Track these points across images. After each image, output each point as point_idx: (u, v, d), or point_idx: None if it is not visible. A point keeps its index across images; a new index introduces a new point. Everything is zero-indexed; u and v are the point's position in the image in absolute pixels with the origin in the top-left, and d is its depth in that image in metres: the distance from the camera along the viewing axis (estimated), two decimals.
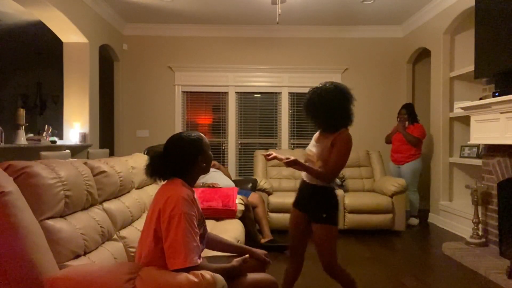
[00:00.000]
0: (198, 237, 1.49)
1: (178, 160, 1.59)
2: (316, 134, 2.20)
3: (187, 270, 1.36)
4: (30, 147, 3.62)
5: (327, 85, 2.12)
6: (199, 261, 1.44)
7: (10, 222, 1.20)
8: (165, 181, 1.62)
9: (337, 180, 4.72)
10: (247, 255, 1.69)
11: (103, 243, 1.76)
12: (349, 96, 2.11)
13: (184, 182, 1.59)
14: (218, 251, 1.85)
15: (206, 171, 1.68)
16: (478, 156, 4.13)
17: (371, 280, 2.97)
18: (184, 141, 1.60)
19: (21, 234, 1.21)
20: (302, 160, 2.06)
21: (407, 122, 4.89)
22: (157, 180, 1.63)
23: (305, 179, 2.14)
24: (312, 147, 2.15)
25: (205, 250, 1.71)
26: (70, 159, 3.00)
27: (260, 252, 1.85)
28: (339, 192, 4.38)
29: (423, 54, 5.67)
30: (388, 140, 5.14)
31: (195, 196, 1.62)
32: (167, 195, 1.49)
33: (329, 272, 2.07)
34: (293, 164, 1.98)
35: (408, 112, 4.90)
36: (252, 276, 1.66)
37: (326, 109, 2.04)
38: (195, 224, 1.48)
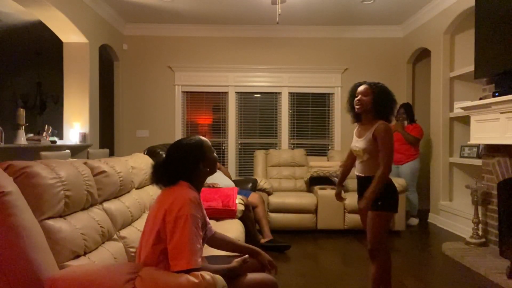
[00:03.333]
0: (201, 240, 1.49)
1: (180, 167, 1.59)
2: (356, 130, 2.39)
3: (188, 271, 1.36)
4: (30, 147, 3.62)
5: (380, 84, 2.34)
6: (201, 264, 1.44)
7: (10, 222, 1.20)
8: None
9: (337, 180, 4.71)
10: (247, 255, 1.69)
11: (103, 243, 1.76)
12: (393, 95, 2.34)
13: (190, 185, 1.59)
14: (226, 251, 1.85)
15: (212, 172, 1.69)
16: (478, 156, 4.13)
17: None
18: (184, 148, 1.61)
19: (21, 234, 1.21)
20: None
21: (405, 122, 4.89)
22: (160, 188, 1.63)
23: (358, 173, 2.34)
24: (356, 143, 2.33)
25: (205, 250, 1.71)
26: (70, 159, 3.00)
27: (266, 258, 1.81)
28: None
29: (423, 54, 5.67)
30: None
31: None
32: (174, 197, 1.49)
33: (371, 255, 2.25)
34: (368, 201, 2.16)
35: (407, 112, 4.91)
36: (252, 276, 1.66)
37: (387, 101, 2.26)
38: (200, 226, 1.49)
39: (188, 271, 1.36)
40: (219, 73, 5.94)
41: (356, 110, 2.30)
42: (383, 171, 2.15)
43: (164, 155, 1.69)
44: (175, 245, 1.40)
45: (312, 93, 6.01)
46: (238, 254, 1.82)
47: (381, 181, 2.15)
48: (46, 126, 4.44)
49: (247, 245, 1.90)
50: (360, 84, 2.34)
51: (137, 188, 2.46)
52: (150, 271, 1.37)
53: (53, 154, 3.33)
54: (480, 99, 3.61)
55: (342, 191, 2.57)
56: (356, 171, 2.36)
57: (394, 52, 5.94)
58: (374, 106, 2.24)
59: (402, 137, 4.81)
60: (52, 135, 4.43)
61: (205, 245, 1.74)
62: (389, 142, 2.18)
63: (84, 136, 4.67)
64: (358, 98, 2.29)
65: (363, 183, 2.30)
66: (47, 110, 7.55)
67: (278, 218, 4.30)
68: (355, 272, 3.15)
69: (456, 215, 4.43)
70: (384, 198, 2.18)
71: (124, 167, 2.23)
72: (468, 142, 3.70)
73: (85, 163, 1.85)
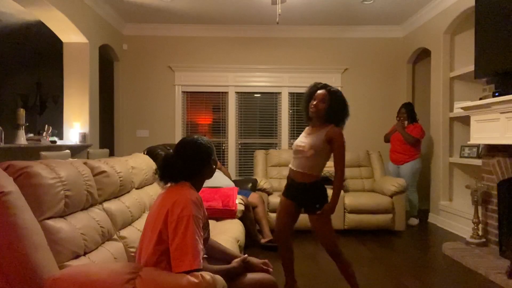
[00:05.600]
0: (203, 241, 1.49)
1: (192, 162, 1.60)
2: (307, 129, 2.48)
3: (190, 272, 1.36)
4: (30, 147, 3.62)
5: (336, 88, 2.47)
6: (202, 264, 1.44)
7: (10, 222, 1.20)
8: (171, 184, 1.62)
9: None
10: (246, 255, 1.69)
11: (103, 243, 1.76)
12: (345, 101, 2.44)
13: (191, 185, 1.59)
14: (217, 259, 1.83)
15: (211, 176, 1.71)
16: (478, 156, 4.13)
17: (371, 280, 2.97)
18: (198, 144, 1.63)
19: (21, 234, 1.21)
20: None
21: (406, 122, 4.89)
22: (165, 183, 1.63)
23: (292, 177, 2.42)
24: (303, 138, 2.42)
25: None
26: (70, 159, 3.00)
27: (258, 262, 1.78)
28: None
29: (423, 54, 5.67)
30: (387, 139, 5.14)
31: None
32: (176, 197, 1.48)
33: (331, 252, 2.38)
34: (332, 206, 2.31)
35: (408, 112, 4.90)
36: (251, 276, 1.66)
37: (341, 108, 2.37)
38: (201, 227, 1.49)
39: (190, 272, 1.36)
40: (219, 73, 5.94)
41: (309, 113, 2.39)
42: (340, 171, 2.30)
43: (170, 152, 1.68)
44: (177, 246, 1.40)
45: None
46: (238, 254, 1.82)
47: (340, 179, 2.31)
48: (46, 126, 4.44)
49: (239, 255, 1.84)
50: (318, 87, 2.40)
51: (137, 188, 2.46)
52: (150, 271, 1.37)
53: (53, 154, 3.33)
54: (480, 99, 3.61)
55: None
56: (291, 173, 2.43)
57: (394, 52, 5.94)
58: (328, 113, 2.34)
59: (402, 137, 4.81)
60: (52, 135, 4.43)
61: None
62: (343, 146, 2.31)
63: (84, 136, 4.67)
64: (315, 103, 2.36)
65: (295, 186, 2.39)
66: (47, 110, 7.54)
67: None
68: (355, 272, 3.15)
69: (456, 215, 4.43)
70: (319, 201, 2.32)
71: (124, 167, 2.23)
72: (468, 142, 3.69)
73: (85, 163, 1.85)
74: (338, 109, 2.34)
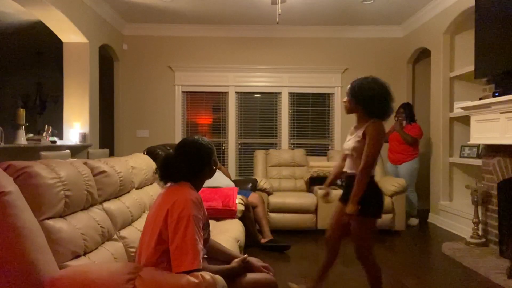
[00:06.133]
0: (202, 241, 1.49)
1: (193, 163, 1.61)
2: (351, 129, 2.33)
3: (190, 272, 1.36)
4: (30, 147, 3.62)
5: (369, 78, 2.23)
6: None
7: (10, 222, 1.20)
8: (171, 184, 1.62)
9: (337, 180, 4.71)
10: (246, 255, 1.69)
11: (103, 243, 1.76)
12: (388, 91, 2.19)
13: (191, 185, 1.59)
14: (218, 259, 1.82)
15: (210, 177, 1.71)
16: (478, 156, 4.13)
17: None
18: (199, 145, 1.64)
19: (21, 234, 1.21)
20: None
21: (404, 122, 4.89)
22: (165, 183, 1.63)
23: (345, 169, 2.28)
24: (347, 140, 2.29)
25: None
26: (70, 159, 3.00)
27: (258, 263, 1.78)
28: (339, 192, 4.38)
29: (423, 54, 5.67)
30: (385, 139, 5.13)
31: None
32: (176, 197, 1.49)
33: (359, 259, 2.22)
34: (353, 204, 2.09)
35: (406, 112, 4.90)
36: (252, 276, 1.66)
37: (370, 97, 2.14)
38: (201, 227, 1.49)
39: (190, 272, 1.36)
40: (219, 73, 5.94)
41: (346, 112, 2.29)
42: (361, 168, 2.08)
43: (171, 152, 1.69)
44: (177, 246, 1.40)
45: (312, 93, 6.01)
46: (238, 255, 1.82)
47: (360, 179, 2.08)
48: (46, 126, 4.44)
49: (237, 255, 1.83)
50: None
51: (137, 188, 2.46)
52: (150, 271, 1.37)
53: (53, 154, 3.33)
54: (480, 99, 3.60)
55: (329, 192, 2.45)
56: (345, 167, 2.30)
57: (394, 52, 5.94)
58: (357, 106, 2.19)
59: (400, 137, 4.80)
60: (52, 135, 4.43)
61: None
62: (374, 140, 2.08)
63: (84, 136, 4.67)
64: (343, 100, 2.29)
65: (348, 182, 2.27)
66: (47, 110, 7.55)
67: (278, 218, 4.30)
68: (355, 272, 3.15)
69: (456, 215, 4.43)
70: (363, 203, 2.08)
71: (124, 167, 2.23)
72: (468, 142, 3.69)
73: (85, 163, 1.85)
74: (364, 99, 2.14)
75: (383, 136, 2.14)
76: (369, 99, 2.14)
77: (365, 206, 2.08)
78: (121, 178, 2.10)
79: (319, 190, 4.24)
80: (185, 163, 1.59)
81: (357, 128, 2.22)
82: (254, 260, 1.77)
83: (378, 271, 2.23)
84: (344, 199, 2.27)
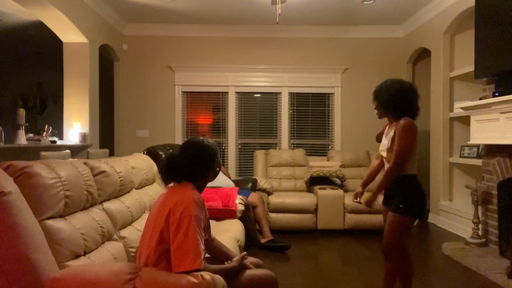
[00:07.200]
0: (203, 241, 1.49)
1: (197, 164, 1.61)
2: (386, 130, 2.35)
3: (188, 272, 1.36)
4: (30, 147, 3.62)
5: (388, 81, 2.30)
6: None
7: (10, 222, 1.20)
8: (173, 184, 1.62)
9: (337, 180, 4.72)
10: (245, 253, 1.70)
11: (103, 243, 1.75)
12: (411, 89, 2.25)
13: (194, 186, 1.59)
14: (220, 260, 1.81)
15: (214, 178, 1.71)
16: (478, 156, 4.13)
17: (371, 280, 2.97)
18: (204, 146, 1.64)
19: (21, 234, 1.21)
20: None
21: None
22: (168, 183, 1.63)
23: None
24: (383, 141, 2.31)
25: None
26: (70, 159, 3.00)
27: (252, 261, 1.79)
28: (339, 192, 4.39)
29: (423, 54, 5.66)
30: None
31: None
32: (178, 197, 1.49)
33: (385, 254, 2.18)
34: (373, 200, 2.18)
35: None
36: (252, 272, 1.67)
37: (389, 97, 2.19)
38: (202, 228, 1.49)
39: (190, 272, 1.36)
40: (219, 73, 5.94)
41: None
42: (391, 165, 2.10)
43: (171, 152, 1.69)
44: (178, 246, 1.40)
45: (312, 93, 6.01)
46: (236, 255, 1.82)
47: (388, 175, 2.11)
48: (46, 126, 4.44)
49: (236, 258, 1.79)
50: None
51: (137, 188, 2.46)
52: (150, 271, 1.37)
53: (53, 154, 3.33)
54: (480, 99, 3.61)
55: (362, 193, 2.38)
56: (384, 169, 2.28)
57: (394, 52, 5.94)
58: (383, 108, 2.24)
59: None
60: (52, 135, 4.43)
61: None
62: (404, 137, 2.08)
63: (84, 136, 4.67)
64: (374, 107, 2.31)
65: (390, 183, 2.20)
66: (47, 110, 7.55)
67: (278, 218, 4.30)
68: (355, 272, 3.15)
69: (456, 215, 4.43)
70: (407, 201, 2.09)
71: (124, 167, 2.23)
72: (468, 142, 3.70)
73: (85, 163, 1.85)
74: (386, 102, 2.20)
75: (412, 133, 2.11)
76: (389, 99, 2.19)
77: (409, 205, 2.09)
78: (121, 178, 2.10)
79: (334, 190, 4.24)
80: (189, 164, 1.60)
81: (390, 129, 2.26)
82: (252, 259, 1.78)
83: (410, 266, 2.20)
84: (387, 202, 2.25)
